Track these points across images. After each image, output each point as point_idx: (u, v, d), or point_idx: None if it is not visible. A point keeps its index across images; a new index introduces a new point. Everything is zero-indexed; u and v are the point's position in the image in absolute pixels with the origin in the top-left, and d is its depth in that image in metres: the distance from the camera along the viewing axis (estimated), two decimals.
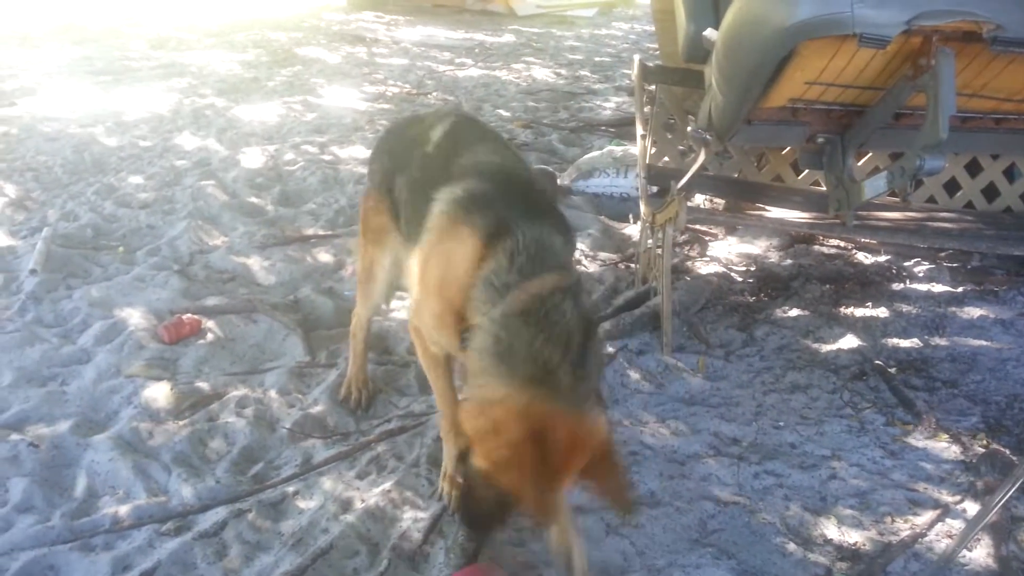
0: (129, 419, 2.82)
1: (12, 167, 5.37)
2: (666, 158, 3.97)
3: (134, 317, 3.46)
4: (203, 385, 3.06)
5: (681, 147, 4.04)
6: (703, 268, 3.98)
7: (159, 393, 2.96)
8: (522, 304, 1.73)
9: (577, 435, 1.58)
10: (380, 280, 2.74)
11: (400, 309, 3.64)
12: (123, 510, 2.44)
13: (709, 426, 2.86)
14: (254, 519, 2.41)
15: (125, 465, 2.59)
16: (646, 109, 3.93)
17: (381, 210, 2.59)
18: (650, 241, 3.64)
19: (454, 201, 2.03)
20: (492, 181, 2.06)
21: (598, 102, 7.86)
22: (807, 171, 3.72)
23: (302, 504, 2.49)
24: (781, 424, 2.88)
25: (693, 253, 4.16)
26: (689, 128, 3.59)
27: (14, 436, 2.71)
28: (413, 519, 2.39)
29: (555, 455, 1.55)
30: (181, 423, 2.83)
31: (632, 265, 4.06)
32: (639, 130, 3.92)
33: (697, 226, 4.27)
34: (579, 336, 1.69)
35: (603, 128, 6.64)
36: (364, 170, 5.66)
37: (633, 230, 4.59)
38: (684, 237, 4.24)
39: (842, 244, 4.22)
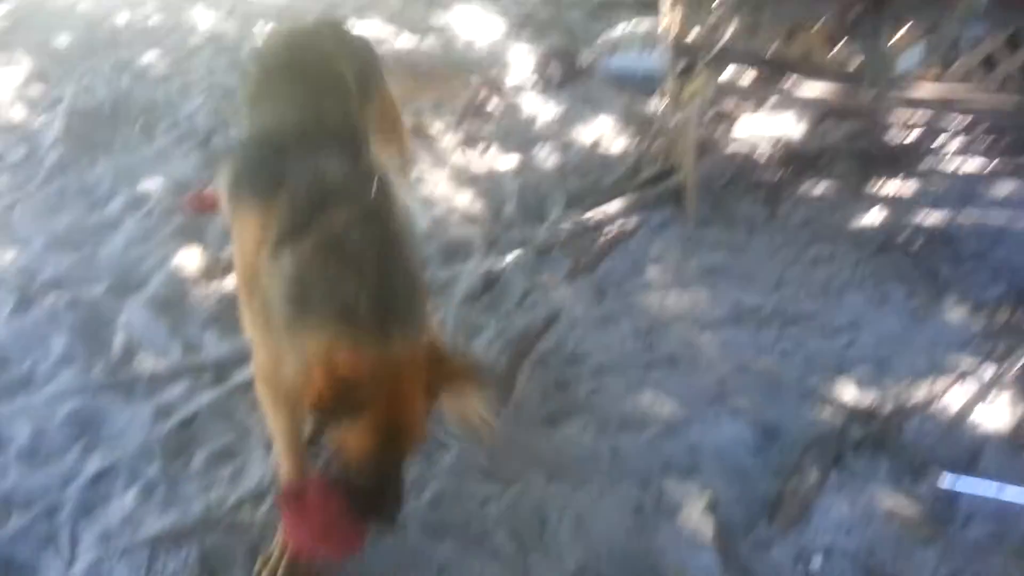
0: (161, 282, 2.88)
1: (26, 43, 5.28)
2: (695, 31, 3.84)
3: (159, 188, 3.48)
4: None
5: (711, 20, 3.90)
6: (728, 146, 3.92)
7: (190, 259, 3.01)
8: (305, 252, 1.51)
9: (408, 365, 1.41)
10: None
11: None
12: (160, 364, 2.53)
13: (731, 295, 2.89)
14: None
15: (160, 324, 2.67)
16: None
17: None
18: (676, 117, 3.58)
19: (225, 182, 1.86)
20: (259, 139, 1.92)
21: None
22: (839, 47, 3.60)
23: None
24: (802, 294, 2.91)
25: (718, 131, 4.08)
26: None
27: (51, 296, 2.78)
28: None
29: (391, 396, 1.39)
30: (213, 287, 2.89)
31: (654, 143, 4.01)
32: (666, 1, 3.78)
33: (723, 104, 4.18)
34: (379, 262, 1.48)
35: (628, 4, 6.40)
36: (379, 48, 5.55)
37: (657, 107, 4.51)
38: (709, 115, 4.16)
39: (872, 121, 4.12)
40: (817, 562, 1.96)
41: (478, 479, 2.09)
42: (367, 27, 5.89)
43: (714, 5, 3.45)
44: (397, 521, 1.58)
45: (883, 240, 3.20)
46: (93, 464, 2.17)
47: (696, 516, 2.05)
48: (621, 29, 5.31)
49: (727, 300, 2.86)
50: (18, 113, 4.20)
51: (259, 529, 1.93)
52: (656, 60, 4.76)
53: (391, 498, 1.52)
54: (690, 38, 3.78)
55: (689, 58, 3.70)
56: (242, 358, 2.52)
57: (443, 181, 3.77)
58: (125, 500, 2.05)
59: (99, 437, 2.28)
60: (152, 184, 3.52)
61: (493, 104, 4.66)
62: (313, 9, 6.35)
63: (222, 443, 2.24)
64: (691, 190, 3.23)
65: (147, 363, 2.54)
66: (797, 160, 3.83)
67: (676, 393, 2.44)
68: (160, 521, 1.99)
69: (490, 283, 2.90)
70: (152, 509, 2.03)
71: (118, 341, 2.64)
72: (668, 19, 3.67)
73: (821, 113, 4.17)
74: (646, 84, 4.79)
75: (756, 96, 4.02)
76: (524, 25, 5.94)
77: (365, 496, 1.50)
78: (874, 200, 3.48)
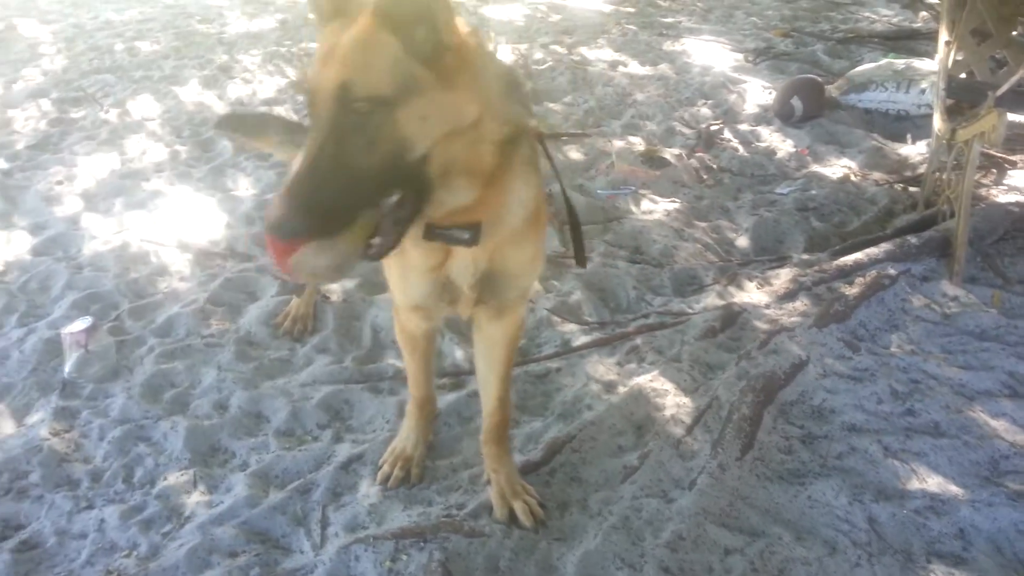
0: None
1: None
2: (980, 67, 3.51)
3: None
4: None
5: (995, 56, 3.55)
6: (1001, 196, 3.53)
7: None
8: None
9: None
10: None
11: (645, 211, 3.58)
12: (401, 363, 2.64)
13: (1004, 364, 2.57)
14: (522, 388, 2.52)
15: None
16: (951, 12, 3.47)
17: None
18: (942, 160, 3.27)
19: None
20: None
21: (866, 13, 7.12)
22: None
23: (565, 381, 2.57)
24: None
25: (988, 179, 3.70)
26: (1015, 32, 3.13)
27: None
28: (677, 408, 2.38)
29: None
30: None
31: (912, 188, 3.70)
32: (942, 36, 3.48)
33: (994, 151, 3.78)
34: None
35: (875, 40, 6.02)
36: (612, 72, 5.58)
37: (910, 150, 4.18)
38: (979, 162, 3.77)
39: None
40: None
41: (717, 525, 1.98)
42: (598, 55, 5.96)
43: (1015, 33, 3.13)
44: None
45: None
46: (343, 451, 2.29)
47: None
48: (869, 64, 4.98)
49: (1000, 369, 2.55)
50: None
51: (499, 540, 1.93)
52: (912, 98, 4.41)
53: None
54: (978, 74, 3.46)
55: (963, 97, 3.39)
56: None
57: (673, 210, 3.69)
58: (371, 491, 2.14)
59: (348, 426, 2.42)
60: None
61: (727, 135, 4.52)
62: (547, 31, 6.54)
63: (461, 449, 2.29)
64: (960, 245, 2.93)
65: (390, 359, 2.67)
66: None
67: (942, 466, 2.19)
68: (403, 516, 2.06)
69: (729, 319, 2.78)
70: (395, 505, 2.09)
71: (366, 336, 2.79)
72: (944, 53, 3.38)
73: None
74: (898, 123, 4.46)
75: None
76: (762, 57, 5.75)
77: None
78: None
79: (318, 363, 2.65)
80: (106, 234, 3.44)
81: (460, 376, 2.59)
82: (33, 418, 2.41)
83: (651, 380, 2.50)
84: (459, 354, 2.69)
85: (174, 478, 2.21)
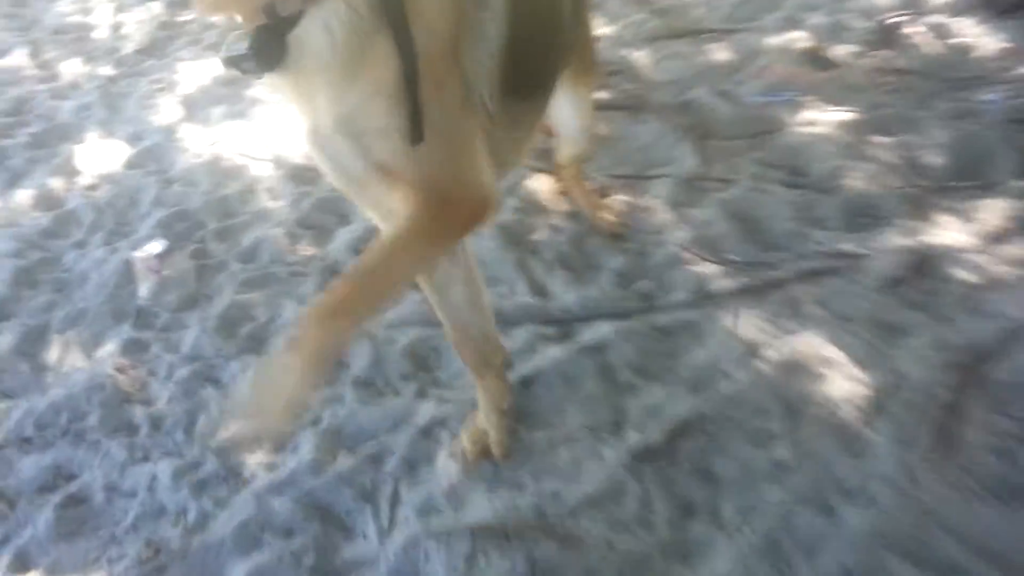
0: (513, 209, 2.59)
1: None
2: None
3: None
4: (587, 184, 2.72)
5: None
6: None
7: (543, 185, 2.68)
8: None
9: None
10: None
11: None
12: (506, 304, 2.24)
13: None
14: (642, 343, 2.06)
15: (508, 258, 2.38)
16: None
17: None
18: None
19: None
20: None
21: None
22: None
23: (698, 339, 2.08)
24: None
25: None
26: None
27: None
28: (847, 385, 1.86)
29: None
30: (561, 220, 2.54)
31: None
32: None
33: None
34: None
35: None
36: None
37: None
38: None
39: None
40: None
41: (899, 557, 1.49)
42: None
43: None
44: None
45: None
46: (426, 411, 1.95)
47: None
48: None
49: None
50: None
51: (601, 553, 1.54)
52: None
53: None
54: None
55: None
56: (589, 313, 2.15)
57: (844, 121, 3.01)
58: (450, 465, 1.79)
59: (435, 379, 2.07)
60: None
61: (912, 30, 3.68)
62: None
63: (562, 420, 1.88)
64: None
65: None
66: None
67: None
68: (485, 503, 1.70)
69: (920, 266, 2.16)
70: (478, 486, 1.74)
71: None
72: None
73: None
74: None
75: None
76: None
77: None
78: None
79: (407, 301, 2.30)
80: (200, 146, 3.21)
81: (569, 324, 2.16)
82: (102, 350, 2.21)
83: (812, 344, 1.96)
84: (570, 296, 2.25)
85: (237, 431, 1.95)
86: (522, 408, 1.90)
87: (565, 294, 2.26)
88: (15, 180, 2.98)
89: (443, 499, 1.72)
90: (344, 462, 1.82)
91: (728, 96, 3.24)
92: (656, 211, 2.56)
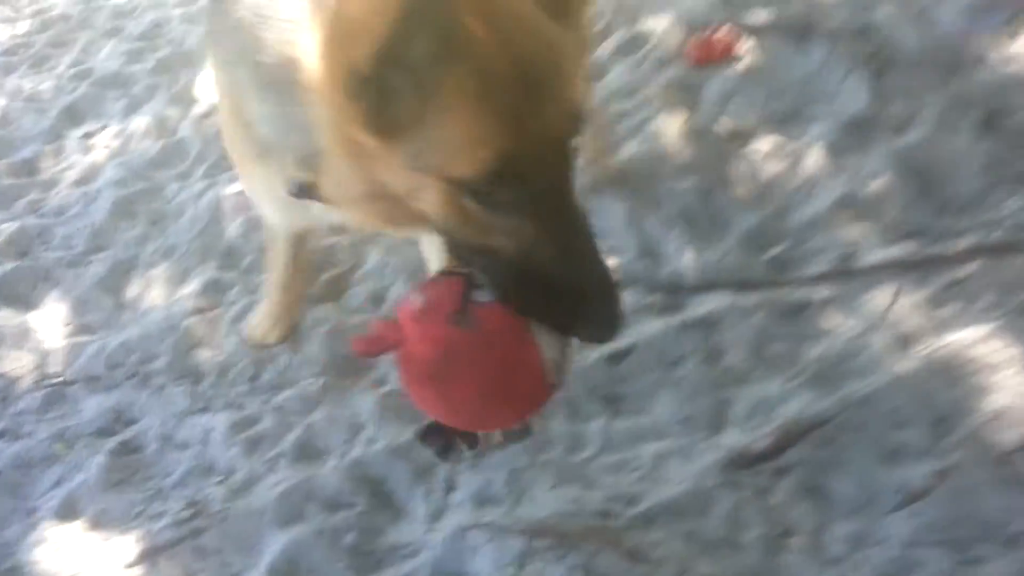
0: (633, 153, 2.27)
1: None
2: None
3: (661, 27, 2.81)
4: (726, 123, 2.33)
5: None
6: None
7: (671, 126, 2.33)
8: None
9: None
10: None
11: None
12: (611, 263, 1.95)
13: None
14: (764, 322, 1.72)
15: (619, 210, 2.08)
16: None
17: None
18: None
19: None
20: None
21: None
22: None
23: (833, 321, 1.70)
24: None
25: None
26: None
27: None
28: (1014, 401, 1.43)
29: None
30: (689, 167, 2.18)
31: None
32: None
33: None
34: None
35: None
36: None
37: None
38: None
39: None
40: None
41: None
42: None
43: None
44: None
45: None
46: None
47: None
48: None
49: None
50: None
51: (672, 566, 1.27)
52: None
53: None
54: None
55: None
56: (707, 283, 1.82)
57: None
58: (513, 449, 1.56)
59: None
60: (654, 22, 2.86)
61: None
62: None
63: (653, 408, 1.60)
64: None
65: None
66: None
67: None
68: (550, 497, 1.47)
69: None
70: (543, 476, 1.51)
71: None
72: None
73: None
74: None
75: None
76: None
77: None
78: None
79: None
80: None
81: (677, 293, 1.84)
82: (185, 289, 2.16)
83: (979, 341, 1.53)
84: (686, 259, 1.92)
85: (302, 386, 1.83)
86: (607, 389, 1.64)
87: (679, 256, 1.94)
88: (135, 106, 3.01)
89: (503, 487, 1.51)
90: (403, 433, 1.64)
91: (922, 18, 2.66)
92: (809, 158, 2.14)
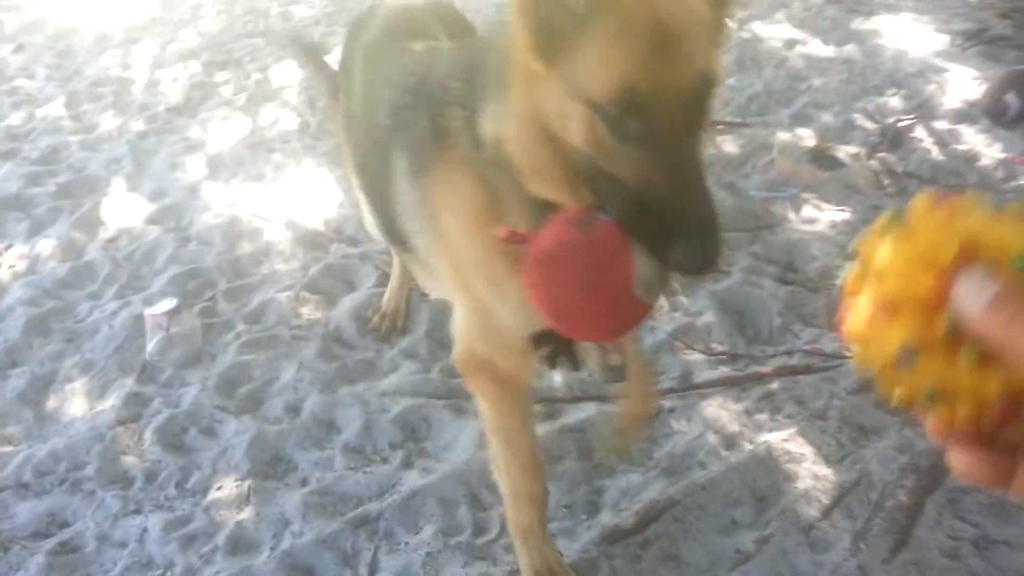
0: None
1: None
2: None
3: None
4: None
5: None
6: None
7: None
8: None
9: None
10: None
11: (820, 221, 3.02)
12: None
13: None
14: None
15: None
16: None
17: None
18: None
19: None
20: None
21: None
22: None
23: (678, 426, 2.15)
24: None
25: None
26: None
27: None
28: (813, 481, 1.92)
29: None
30: None
31: None
32: None
33: None
34: None
35: None
36: (787, 52, 4.94)
37: None
38: None
39: None
40: None
41: None
42: (773, 31, 5.31)
43: None
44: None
45: None
46: (410, 479, 2.02)
47: None
48: None
49: None
50: None
51: None
52: None
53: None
54: None
55: None
56: (575, 396, 2.22)
57: (841, 221, 3.12)
58: (428, 534, 1.85)
59: (422, 449, 2.14)
60: None
61: (920, 133, 3.82)
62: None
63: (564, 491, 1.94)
64: None
65: None
66: None
67: None
68: (461, 574, 1.75)
69: None
70: (455, 557, 1.80)
71: None
72: None
73: None
74: None
75: None
76: (972, 40, 4.89)
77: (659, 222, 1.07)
78: None
79: (403, 369, 2.39)
80: (219, 206, 3.35)
81: (555, 404, 2.24)
82: (106, 402, 2.31)
83: (785, 439, 2.04)
84: (559, 378, 2.33)
85: (228, 489, 2.02)
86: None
87: (551, 375, 2.34)
88: (39, 228, 3.13)
89: (421, 568, 1.78)
90: (328, 525, 1.88)
91: (733, 188, 3.36)
92: None
